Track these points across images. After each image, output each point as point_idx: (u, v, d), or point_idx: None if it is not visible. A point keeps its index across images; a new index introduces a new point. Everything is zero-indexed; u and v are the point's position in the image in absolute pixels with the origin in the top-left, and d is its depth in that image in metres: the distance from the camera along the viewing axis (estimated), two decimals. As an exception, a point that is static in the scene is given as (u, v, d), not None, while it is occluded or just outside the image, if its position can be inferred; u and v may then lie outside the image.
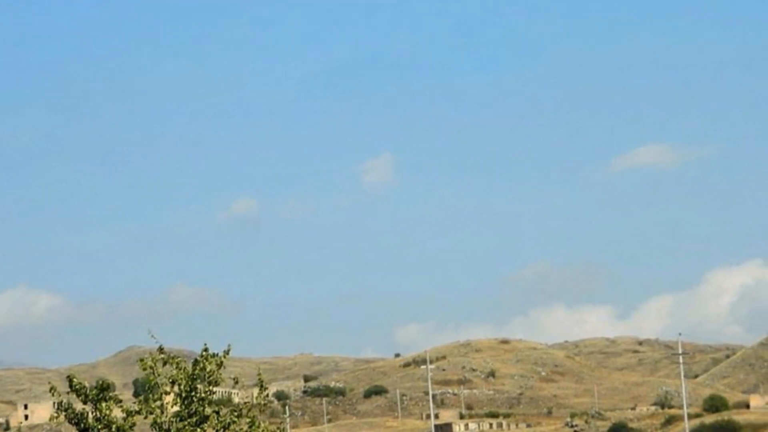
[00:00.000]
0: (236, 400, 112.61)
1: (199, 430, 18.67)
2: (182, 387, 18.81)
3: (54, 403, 19.50)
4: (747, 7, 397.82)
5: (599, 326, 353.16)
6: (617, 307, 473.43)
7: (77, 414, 18.99)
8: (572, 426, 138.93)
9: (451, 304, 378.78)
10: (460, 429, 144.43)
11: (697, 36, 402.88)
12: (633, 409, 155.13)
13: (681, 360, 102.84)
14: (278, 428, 20.69)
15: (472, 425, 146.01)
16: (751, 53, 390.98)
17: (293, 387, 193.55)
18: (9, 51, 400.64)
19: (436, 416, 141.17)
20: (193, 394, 18.80)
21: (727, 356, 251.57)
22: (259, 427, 18.95)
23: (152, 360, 19.06)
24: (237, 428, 18.90)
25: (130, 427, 18.81)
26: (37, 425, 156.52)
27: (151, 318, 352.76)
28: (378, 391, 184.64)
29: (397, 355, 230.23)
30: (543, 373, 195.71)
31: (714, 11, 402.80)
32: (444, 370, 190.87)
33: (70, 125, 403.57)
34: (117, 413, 19.00)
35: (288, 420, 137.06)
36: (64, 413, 19.02)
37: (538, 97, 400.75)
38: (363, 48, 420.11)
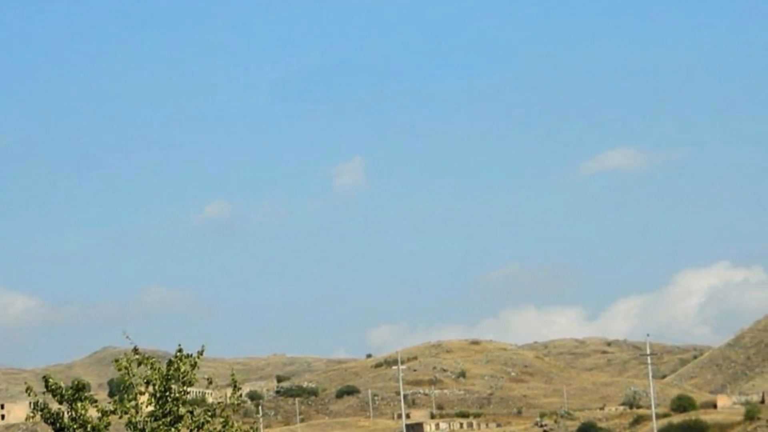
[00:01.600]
0: (210, 400, 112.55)
1: (173, 429, 18.89)
2: (157, 387, 19.01)
3: (30, 403, 19.70)
4: (714, 12, 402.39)
5: (568, 327, 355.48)
6: (586, 309, 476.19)
7: (53, 414, 19.20)
8: (542, 426, 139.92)
9: (422, 305, 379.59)
10: (431, 429, 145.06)
11: (665, 41, 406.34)
12: (601, 409, 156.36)
13: (649, 360, 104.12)
14: (251, 428, 21.03)
15: (443, 425, 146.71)
16: (718, 58, 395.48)
17: (266, 387, 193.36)
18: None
19: (408, 416, 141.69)
20: (167, 394, 18.98)
21: (695, 357, 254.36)
22: (232, 426, 19.22)
23: (127, 360, 19.24)
24: (211, 428, 19.14)
25: (105, 427, 19.05)
26: (13, 425, 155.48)
27: (126, 319, 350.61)
28: (350, 391, 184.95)
29: (369, 356, 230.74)
30: (513, 374, 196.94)
31: (681, 17, 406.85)
32: (415, 370, 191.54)
33: (47, 129, 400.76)
34: (92, 413, 19.19)
35: (261, 420, 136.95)
36: (40, 413, 19.23)
37: (508, 102, 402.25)
38: (335, 53, 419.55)
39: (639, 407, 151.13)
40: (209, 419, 19.19)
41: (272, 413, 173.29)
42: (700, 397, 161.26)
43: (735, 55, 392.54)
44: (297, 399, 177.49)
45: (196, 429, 19.12)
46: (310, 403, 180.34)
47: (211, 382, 20.85)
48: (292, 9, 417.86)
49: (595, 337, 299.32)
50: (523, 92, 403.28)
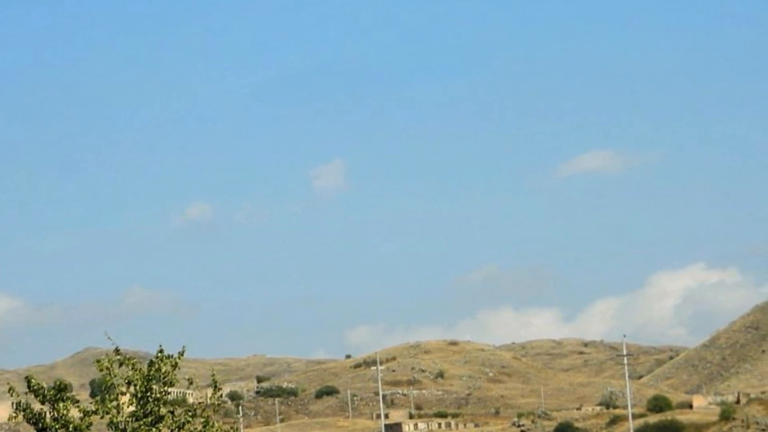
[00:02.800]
0: (191, 400, 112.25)
1: (154, 429, 19.09)
2: (138, 387, 19.22)
3: (13, 403, 19.84)
4: (688, 15, 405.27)
5: (545, 328, 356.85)
6: (563, 310, 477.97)
7: (35, 414, 19.38)
8: (519, 426, 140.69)
9: (400, 306, 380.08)
10: (409, 429, 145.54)
11: (642, 44, 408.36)
12: (578, 409, 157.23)
13: (625, 361, 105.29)
14: (232, 428, 21.30)
15: (422, 425, 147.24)
16: (694, 61, 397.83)
17: (246, 387, 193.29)
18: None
19: (386, 416, 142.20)
20: (148, 394, 19.19)
21: (671, 357, 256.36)
22: (213, 426, 19.47)
23: (109, 361, 19.43)
24: (191, 428, 19.38)
25: (87, 427, 19.27)
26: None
27: (108, 320, 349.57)
28: (329, 391, 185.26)
29: (348, 357, 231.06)
30: (490, 374, 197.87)
31: (657, 20, 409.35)
32: (394, 371, 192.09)
33: (28, 132, 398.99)
34: (74, 413, 19.40)
35: (241, 420, 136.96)
36: (22, 413, 19.42)
37: (485, 105, 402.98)
38: (314, 56, 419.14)
39: (615, 407, 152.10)
40: (190, 419, 19.43)
41: (252, 413, 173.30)
42: (676, 397, 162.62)
43: (710, 58, 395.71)
44: (277, 399, 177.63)
45: (176, 429, 19.37)
46: (289, 403, 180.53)
47: (191, 383, 21.10)
48: (271, 13, 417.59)
49: (572, 337, 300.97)
50: (500, 95, 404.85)
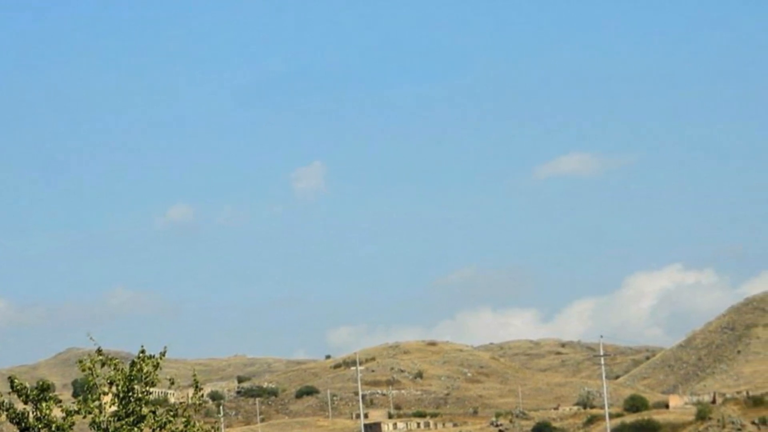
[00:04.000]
0: (172, 400, 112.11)
1: (136, 429, 19.30)
2: (120, 387, 19.38)
3: (-4, 403, 20.13)
4: (665, 19, 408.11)
5: (523, 329, 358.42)
6: (541, 310, 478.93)
7: (18, 414, 19.52)
8: (497, 425, 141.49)
9: (380, 307, 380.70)
10: (388, 428, 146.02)
11: (618, 47, 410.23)
12: (556, 409, 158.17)
13: (602, 361, 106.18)
14: (213, 427, 21.51)
15: (401, 425, 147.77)
16: (670, 64, 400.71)
17: (227, 387, 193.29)
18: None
19: (366, 416, 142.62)
20: (130, 394, 19.35)
21: (647, 358, 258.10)
22: (194, 426, 19.66)
23: (91, 361, 19.55)
24: (173, 427, 19.58)
25: (70, 427, 19.48)
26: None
27: (90, 321, 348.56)
28: (309, 391, 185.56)
29: (328, 357, 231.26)
30: (469, 374, 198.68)
31: (633, 23, 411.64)
32: (373, 371, 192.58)
33: (12, 134, 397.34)
34: (57, 413, 19.57)
35: (222, 419, 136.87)
36: (5, 413, 19.60)
37: (464, 108, 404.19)
38: (295, 60, 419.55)
39: (592, 407, 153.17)
40: (171, 419, 19.62)
41: (233, 413, 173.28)
42: (652, 397, 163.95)
43: (687, 61, 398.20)
44: (257, 399, 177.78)
45: (158, 429, 19.60)
46: (270, 403, 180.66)
47: (173, 383, 21.31)
48: (252, 16, 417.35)
49: (549, 338, 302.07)
50: (478, 98, 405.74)
